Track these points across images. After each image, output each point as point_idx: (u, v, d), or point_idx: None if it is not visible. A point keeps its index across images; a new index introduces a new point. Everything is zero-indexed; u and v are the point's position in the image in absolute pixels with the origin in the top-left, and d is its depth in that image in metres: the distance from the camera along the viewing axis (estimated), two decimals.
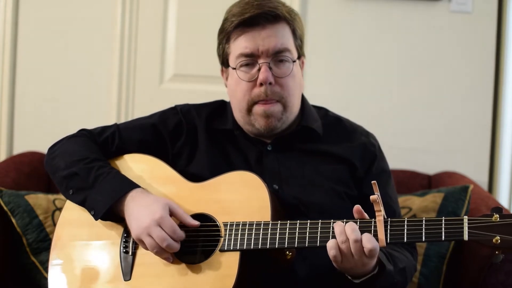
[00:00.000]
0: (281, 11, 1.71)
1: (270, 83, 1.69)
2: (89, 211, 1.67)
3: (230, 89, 1.79)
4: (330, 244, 1.46)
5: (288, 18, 1.72)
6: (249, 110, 1.73)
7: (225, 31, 1.74)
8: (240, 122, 1.80)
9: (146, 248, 1.60)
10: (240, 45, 1.71)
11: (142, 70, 2.80)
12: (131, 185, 1.67)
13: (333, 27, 2.74)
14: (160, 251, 1.58)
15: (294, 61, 1.73)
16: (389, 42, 2.73)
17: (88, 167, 1.70)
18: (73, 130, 1.87)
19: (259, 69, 1.70)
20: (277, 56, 1.70)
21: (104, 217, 1.66)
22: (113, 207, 1.64)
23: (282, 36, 1.71)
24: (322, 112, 1.89)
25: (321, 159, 1.78)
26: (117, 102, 2.80)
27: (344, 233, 1.45)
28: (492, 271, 1.91)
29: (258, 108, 1.72)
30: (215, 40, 1.83)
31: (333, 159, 1.78)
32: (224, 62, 1.79)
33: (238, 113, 1.77)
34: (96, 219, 1.66)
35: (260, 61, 1.70)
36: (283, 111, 1.73)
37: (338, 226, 1.47)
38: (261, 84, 1.69)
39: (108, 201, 1.64)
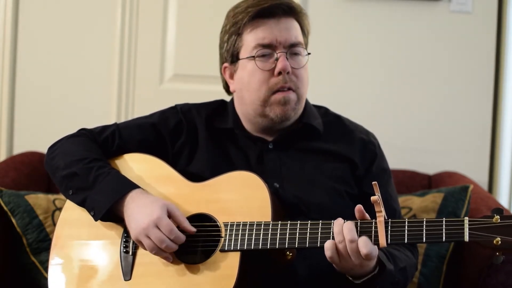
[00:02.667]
0: (295, 4, 1.76)
1: (288, 72, 1.70)
2: (89, 212, 1.67)
3: (241, 81, 1.77)
4: (327, 245, 1.46)
5: (300, 14, 1.76)
6: (265, 100, 1.73)
7: (238, 24, 1.74)
8: (249, 116, 1.79)
9: (145, 249, 1.60)
10: (257, 35, 1.72)
11: (142, 70, 2.80)
12: (131, 186, 1.66)
13: (333, 27, 2.74)
14: (159, 252, 1.58)
15: (307, 54, 1.76)
16: (389, 42, 2.73)
17: (87, 167, 1.70)
18: (73, 130, 1.87)
19: (276, 59, 1.71)
20: (292, 49, 1.72)
21: (104, 218, 1.66)
22: (113, 207, 1.64)
23: (296, 30, 1.75)
24: (322, 111, 1.89)
25: (321, 158, 1.78)
26: (117, 102, 2.80)
27: (341, 233, 1.45)
28: (492, 271, 1.91)
29: (277, 96, 1.72)
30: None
31: (333, 157, 1.78)
32: (234, 56, 1.78)
33: (250, 106, 1.76)
34: (96, 220, 1.66)
35: (278, 51, 1.71)
36: (297, 101, 1.74)
37: (336, 226, 1.47)
38: (279, 73, 1.70)
39: (108, 201, 1.64)
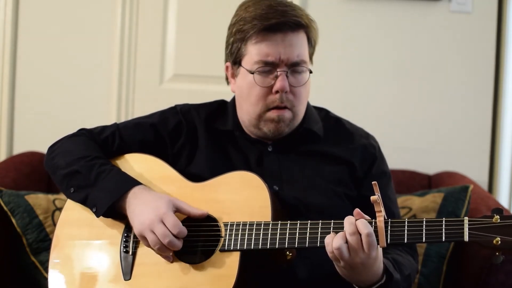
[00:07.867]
0: (304, 20, 1.72)
1: (286, 91, 1.69)
2: (91, 209, 1.67)
3: (240, 90, 1.76)
4: (327, 241, 1.46)
5: (308, 27, 1.73)
6: (260, 116, 1.73)
7: (244, 31, 1.71)
8: (244, 124, 1.79)
9: (148, 245, 1.60)
10: (261, 51, 1.69)
11: (142, 70, 2.80)
12: (134, 182, 1.67)
13: (333, 27, 2.74)
14: (162, 248, 1.57)
15: (310, 72, 1.74)
16: (389, 42, 2.73)
17: (89, 165, 1.71)
18: (73, 130, 1.87)
19: (276, 76, 1.69)
20: (294, 67, 1.71)
21: (106, 214, 1.66)
22: (115, 204, 1.64)
23: (301, 46, 1.72)
24: (323, 113, 1.89)
25: (321, 160, 1.78)
26: (117, 102, 2.80)
27: (347, 231, 1.45)
28: (492, 271, 1.91)
29: (271, 114, 1.72)
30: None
31: (333, 160, 1.78)
32: (236, 62, 1.76)
33: (246, 116, 1.76)
34: (97, 216, 1.66)
35: (279, 69, 1.69)
36: (292, 118, 1.73)
37: (347, 220, 1.47)
38: (277, 92, 1.69)
39: (110, 198, 1.64)
